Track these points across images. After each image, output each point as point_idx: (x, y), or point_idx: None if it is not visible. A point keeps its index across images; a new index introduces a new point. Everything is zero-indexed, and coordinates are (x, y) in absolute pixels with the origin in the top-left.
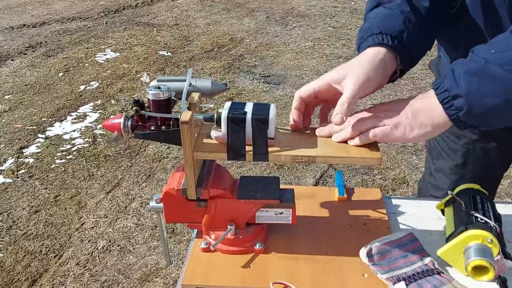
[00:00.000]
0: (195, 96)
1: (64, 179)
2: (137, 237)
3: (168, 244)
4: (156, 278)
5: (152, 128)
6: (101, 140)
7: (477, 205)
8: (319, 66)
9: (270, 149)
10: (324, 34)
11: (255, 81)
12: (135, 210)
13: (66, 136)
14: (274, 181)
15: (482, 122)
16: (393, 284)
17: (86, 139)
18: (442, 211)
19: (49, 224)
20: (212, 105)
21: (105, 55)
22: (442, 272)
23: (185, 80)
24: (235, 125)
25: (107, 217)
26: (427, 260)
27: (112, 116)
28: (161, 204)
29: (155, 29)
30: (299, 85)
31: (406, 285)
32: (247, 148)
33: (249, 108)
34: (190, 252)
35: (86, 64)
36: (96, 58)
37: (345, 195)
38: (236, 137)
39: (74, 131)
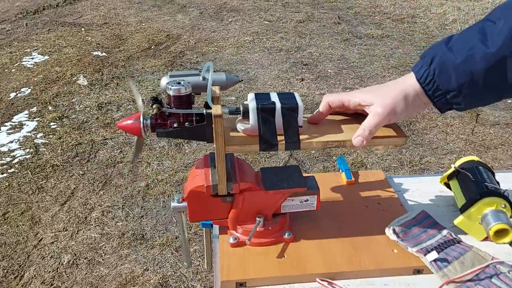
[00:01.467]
0: (216, 89)
1: (10, 195)
2: (105, 247)
3: (189, 245)
4: (133, 286)
5: (175, 125)
6: (45, 149)
7: (483, 175)
8: (263, 60)
9: (300, 137)
10: (261, 28)
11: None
12: (97, 219)
13: (4, 148)
14: (296, 170)
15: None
16: (424, 255)
17: (27, 150)
18: (446, 185)
19: (1, 244)
20: (234, 98)
21: (32, 58)
22: (461, 241)
23: (198, 74)
24: (266, 116)
25: (66, 230)
26: (444, 232)
27: (126, 117)
28: (184, 204)
29: (83, 29)
30: (246, 79)
31: (438, 253)
32: (278, 138)
33: (274, 97)
34: (218, 249)
35: (13, 70)
36: (23, 63)
37: (353, 178)
38: (268, 128)
39: (11, 142)
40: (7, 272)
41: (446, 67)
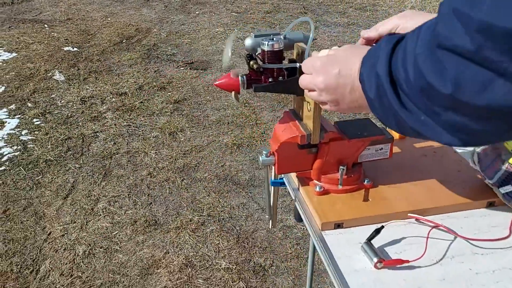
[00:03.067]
0: (302, 45)
1: (7, 192)
2: (119, 236)
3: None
4: (158, 269)
5: (270, 80)
6: (33, 146)
7: None
8: (239, 49)
9: None
10: (230, 19)
11: (181, 68)
12: (104, 210)
13: None
14: (368, 121)
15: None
16: (498, 188)
17: (15, 147)
18: None
19: (9, 240)
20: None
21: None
22: None
23: (279, 34)
24: None
25: (75, 222)
26: (506, 164)
27: (222, 75)
28: (272, 158)
29: (46, 25)
30: (228, 69)
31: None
32: None
33: None
34: (304, 197)
35: None
36: None
37: None
38: None
39: None
40: (21, 267)
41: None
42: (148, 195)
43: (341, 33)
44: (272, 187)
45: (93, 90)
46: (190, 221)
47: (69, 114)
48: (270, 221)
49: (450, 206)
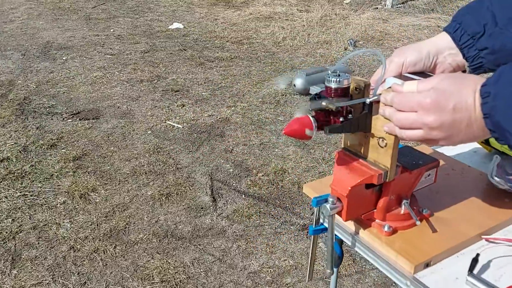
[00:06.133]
0: (363, 79)
1: None
2: None
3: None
4: None
5: (341, 119)
6: None
7: None
8: (128, 92)
9: None
10: (106, 62)
11: (69, 121)
12: None
13: None
14: (411, 149)
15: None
16: None
17: None
18: (485, 142)
19: None
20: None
21: None
22: None
23: (327, 70)
24: None
25: None
26: None
27: (291, 121)
28: (338, 204)
29: None
30: (120, 114)
31: None
32: None
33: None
34: (372, 242)
35: None
36: None
37: None
38: None
39: None
40: None
41: None
42: (78, 273)
43: (228, 67)
44: (313, 236)
45: None
46: None
47: None
48: (308, 275)
49: (509, 220)
